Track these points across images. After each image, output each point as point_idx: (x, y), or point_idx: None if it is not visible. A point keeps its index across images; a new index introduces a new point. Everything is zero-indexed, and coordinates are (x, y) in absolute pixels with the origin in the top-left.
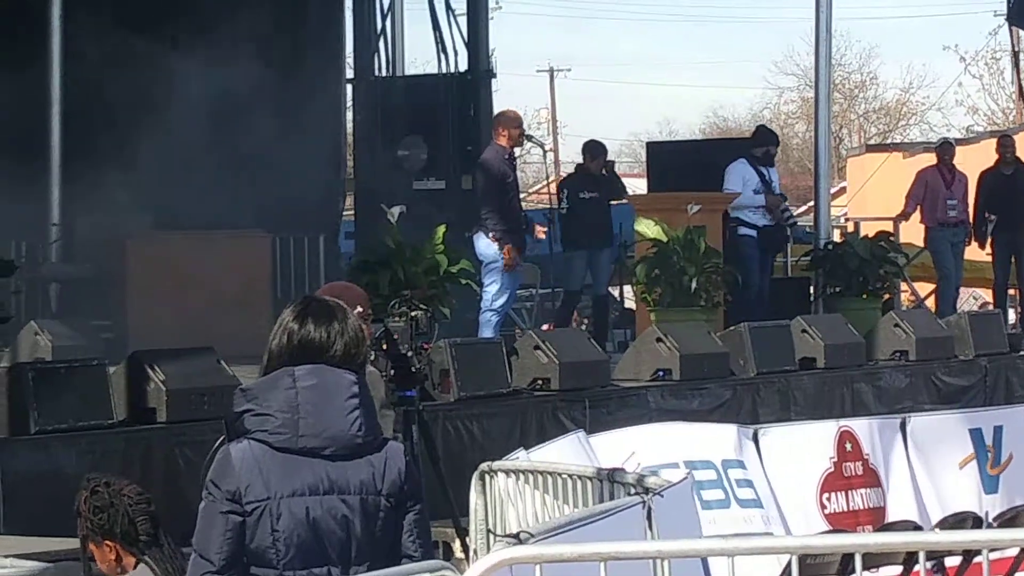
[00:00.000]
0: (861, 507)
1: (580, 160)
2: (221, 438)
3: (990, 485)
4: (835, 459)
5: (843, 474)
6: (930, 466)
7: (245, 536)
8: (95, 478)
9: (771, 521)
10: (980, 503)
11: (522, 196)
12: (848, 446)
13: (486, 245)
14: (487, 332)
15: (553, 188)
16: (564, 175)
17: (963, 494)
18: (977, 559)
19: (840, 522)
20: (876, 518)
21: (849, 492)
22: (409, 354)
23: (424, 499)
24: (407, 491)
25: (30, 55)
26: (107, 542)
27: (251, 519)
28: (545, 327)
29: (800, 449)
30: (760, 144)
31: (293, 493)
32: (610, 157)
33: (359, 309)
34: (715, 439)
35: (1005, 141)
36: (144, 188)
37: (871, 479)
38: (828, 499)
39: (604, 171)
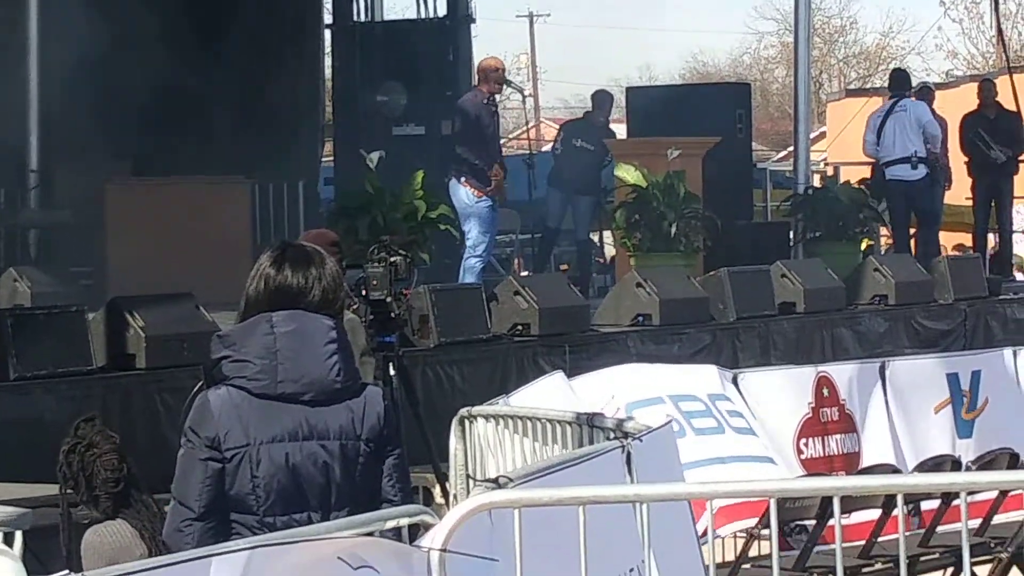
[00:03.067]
0: (836, 452)
1: (560, 105)
2: (199, 384)
3: (964, 430)
4: (813, 404)
5: (820, 419)
6: (907, 411)
7: (225, 483)
8: (78, 439)
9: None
10: (953, 448)
11: (502, 141)
12: (825, 391)
13: (463, 192)
14: (470, 277)
15: (532, 134)
16: (564, 120)
17: (937, 439)
18: (955, 502)
19: (815, 467)
20: (850, 464)
21: (825, 437)
22: (388, 300)
23: (403, 444)
24: (386, 436)
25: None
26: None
27: (230, 466)
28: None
29: (779, 394)
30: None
31: (272, 439)
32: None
33: None
34: (698, 377)
35: (987, 85)
36: (123, 134)
37: (846, 424)
38: (805, 444)
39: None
